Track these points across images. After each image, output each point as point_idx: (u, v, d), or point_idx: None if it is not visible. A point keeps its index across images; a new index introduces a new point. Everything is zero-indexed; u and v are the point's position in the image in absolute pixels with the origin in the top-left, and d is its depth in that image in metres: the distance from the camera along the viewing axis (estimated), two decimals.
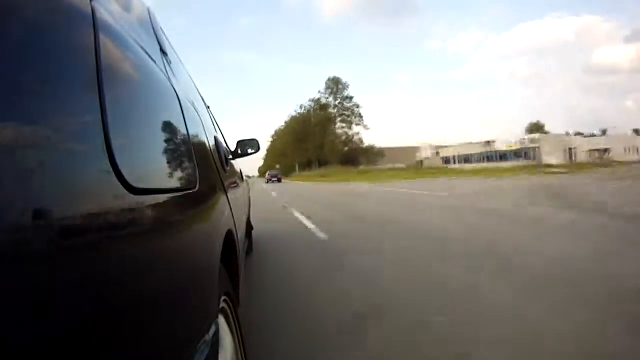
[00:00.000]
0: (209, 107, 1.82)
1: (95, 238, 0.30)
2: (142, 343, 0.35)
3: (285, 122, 56.31)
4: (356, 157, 45.28)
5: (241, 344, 0.86)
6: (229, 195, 1.10)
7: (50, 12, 0.32)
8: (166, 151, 0.54)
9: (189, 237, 0.54)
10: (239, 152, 2.06)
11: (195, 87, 1.56)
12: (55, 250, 0.25)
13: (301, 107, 54.12)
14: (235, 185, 1.53)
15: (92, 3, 0.38)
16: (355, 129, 50.27)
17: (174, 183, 0.53)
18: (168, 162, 0.53)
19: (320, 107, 50.74)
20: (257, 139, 2.15)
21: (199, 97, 1.51)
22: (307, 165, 49.61)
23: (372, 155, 46.55)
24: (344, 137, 49.35)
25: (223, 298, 0.75)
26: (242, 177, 2.42)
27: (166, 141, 0.56)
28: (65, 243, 0.26)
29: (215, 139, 1.19)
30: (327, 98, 51.16)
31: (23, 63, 0.27)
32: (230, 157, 1.77)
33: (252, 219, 3.31)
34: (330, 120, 49.40)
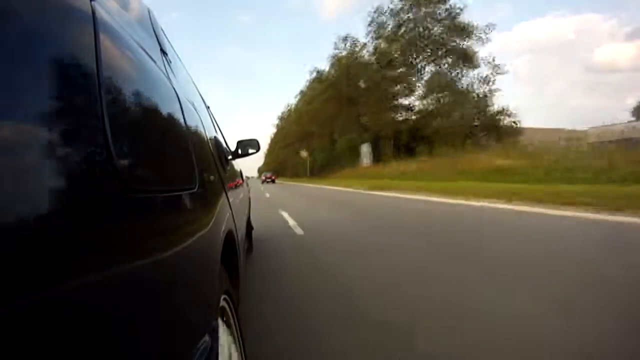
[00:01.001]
0: (209, 107, 1.81)
1: (94, 238, 0.30)
2: (141, 343, 0.35)
3: (310, 82, 30.40)
4: (464, 134, 18.69)
5: (241, 344, 0.87)
6: (228, 195, 1.10)
7: (50, 12, 0.32)
8: (166, 151, 0.54)
9: (189, 237, 0.54)
10: (239, 152, 2.06)
11: (195, 87, 1.56)
12: (55, 249, 0.25)
13: (344, 41, 26.00)
14: (235, 185, 1.54)
15: (92, 3, 0.38)
16: (471, 76, 21.34)
17: (174, 183, 0.53)
18: (167, 162, 0.53)
19: (394, 34, 22.73)
20: (257, 138, 2.15)
21: (199, 97, 1.50)
22: (374, 149, 22.98)
23: (507, 132, 18.98)
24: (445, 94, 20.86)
25: (223, 297, 0.75)
26: (242, 177, 2.42)
27: (166, 141, 0.56)
28: (64, 242, 0.26)
29: (215, 139, 1.19)
30: (408, 14, 22.30)
31: (23, 63, 0.27)
32: (230, 157, 1.77)
33: None
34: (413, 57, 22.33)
